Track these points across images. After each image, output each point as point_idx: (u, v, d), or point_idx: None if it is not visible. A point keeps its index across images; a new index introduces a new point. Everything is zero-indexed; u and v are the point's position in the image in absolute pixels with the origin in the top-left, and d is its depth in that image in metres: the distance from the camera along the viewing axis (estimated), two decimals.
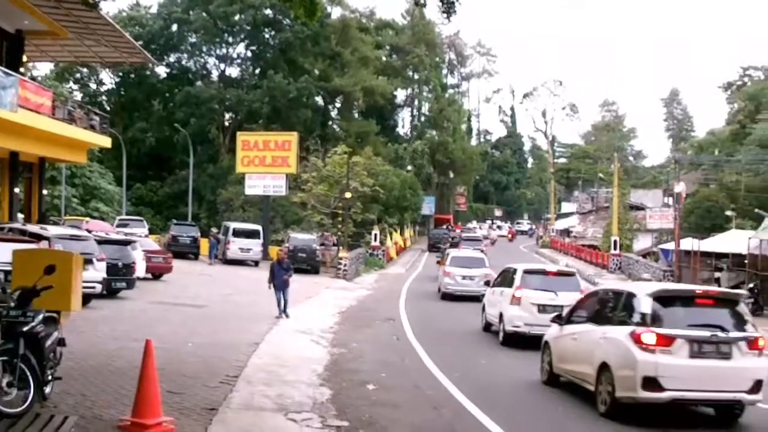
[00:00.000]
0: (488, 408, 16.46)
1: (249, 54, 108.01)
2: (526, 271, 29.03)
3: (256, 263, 58.03)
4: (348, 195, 66.48)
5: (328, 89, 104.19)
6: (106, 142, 49.84)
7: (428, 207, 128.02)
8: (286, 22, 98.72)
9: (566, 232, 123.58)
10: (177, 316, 28.14)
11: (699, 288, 19.31)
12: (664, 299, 16.43)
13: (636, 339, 15.71)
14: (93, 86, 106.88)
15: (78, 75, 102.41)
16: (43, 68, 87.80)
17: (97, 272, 28.40)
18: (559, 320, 20.20)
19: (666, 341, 15.49)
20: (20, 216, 43.35)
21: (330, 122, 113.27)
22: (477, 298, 36.10)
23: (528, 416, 16.96)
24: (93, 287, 27.28)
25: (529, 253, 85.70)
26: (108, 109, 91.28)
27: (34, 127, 38.23)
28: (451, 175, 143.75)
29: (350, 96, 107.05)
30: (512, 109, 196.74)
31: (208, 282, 44.20)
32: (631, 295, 17.15)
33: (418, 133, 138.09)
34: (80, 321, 21.73)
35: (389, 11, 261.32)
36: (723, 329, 15.82)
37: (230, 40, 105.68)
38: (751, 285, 48.20)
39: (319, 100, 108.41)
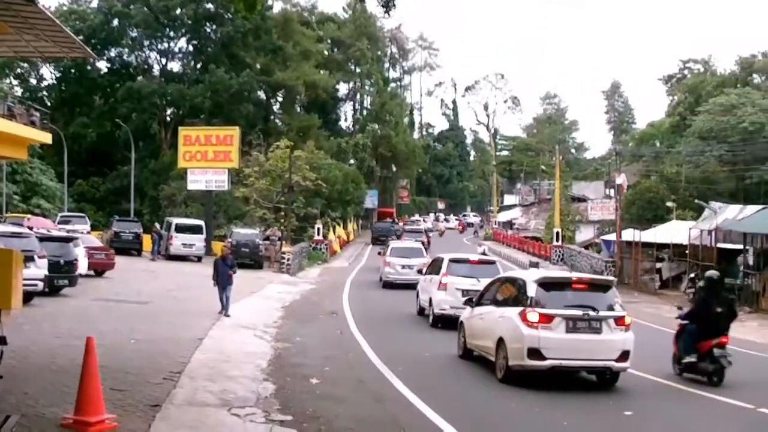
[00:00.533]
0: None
1: (190, 48, 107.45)
2: (452, 260, 32.75)
3: (199, 259, 57.85)
4: (290, 189, 66.37)
5: (270, 83, 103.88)
6: (46, 138, 49.33)
7: (371, 200, 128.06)
8: (227, 16, 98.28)
9: (509, 225, 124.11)
10: (120, 313, 27.96)
11: (575, 275, 24.34)
12: (546, 285, 19.95)
13: (523, 317, 19.09)
14: (33, 81, 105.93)
15: (18, 70, 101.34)
16: None
17: (38, 269, 28.21)
18: (471, 303, 23.48)
19: (546, 319, 18.85)
20: None
21: (272, 116, 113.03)
22: (414, 286, 37.29)
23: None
24: (34, 285, 27.12)
25: (472, 245, 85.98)
26: (49, 104, 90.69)
27: None
28: (394, 168, 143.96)
29: (292, 90, 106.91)
30: (454, 102, 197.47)
31: (151, 278, 43.92)
32: (521, 282, 20.67)
33: (361, 127, 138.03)
34: (22, 319, 21.64)
35: (331, 5, 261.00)
36: (594, 309, 19.08)
37: (171, 34, 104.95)
38: (692, 275, 48.80)
39: (261, 94, 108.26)
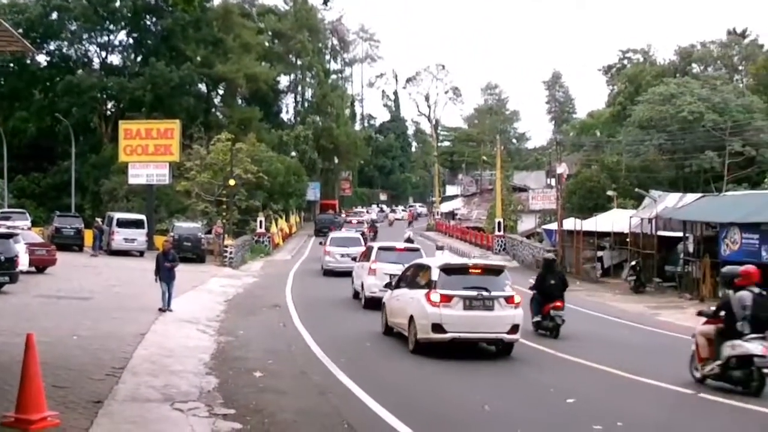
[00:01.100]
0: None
1: (130, 41, 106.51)
2: (381, 248, 37.74)
3: (141, 253, 57.55)
4: (232, 182, 66.17)
5: (210, 76, 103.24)
6: None
7: (313, 193, 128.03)
8: (167, 9, 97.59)
9: (451, 215, 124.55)
10: (61, 309, 27.85)
11: (471, 261, 27.25)
12: (447, 270, 23.43)
13: (428, 298, 22.46)
14: None
15: None
16: None
17: None
18: (390, 287, 27.26)
19: (447, 299, 22.19)
20: None
21: (213, 109, 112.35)
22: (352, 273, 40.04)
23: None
24: None
25: (414, 237, 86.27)
26: None
27: None
28: (336, 160, 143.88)
29: (233, 83, 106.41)
30: (395, 93, 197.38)
31: (93, 273, 43.66)
32: (428, 268, 24.31)
33: (302, 119, 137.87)
34: None
35: None
36: (487, 290, 22.47)
37: (111, 27, 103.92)
38: (633, 263, 49.29)
39: (202, 87, 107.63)
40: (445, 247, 57.97)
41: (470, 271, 23.75)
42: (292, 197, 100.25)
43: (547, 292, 27.45)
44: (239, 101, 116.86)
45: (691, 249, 47.04)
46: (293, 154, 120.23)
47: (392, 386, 18.43)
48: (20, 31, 60.83)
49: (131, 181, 68.64)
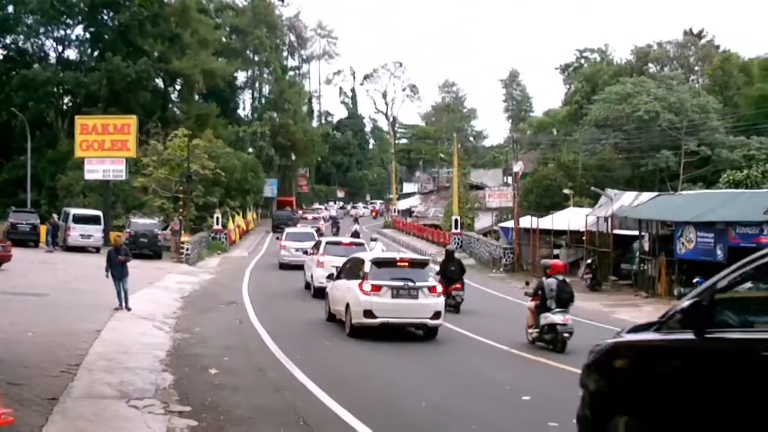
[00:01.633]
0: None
1: (87, 36, 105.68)
2: (328, 242, 41.63)
3: (98, 249, 57.08)
4: (189, 178, 65.93)
5: (167, 71, 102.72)
6: None
7: (270, 189, 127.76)
8: (124, 3, 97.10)
9: (408, 212, 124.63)
10: (16, 306, 27.63)
11: (398, 255, 30.58)
12: (378, 263, 26.75)
13: (360, 287, 25.39)
14: None
15: None
16: None
17: None
18: (331, 278, 29.97)
19: (377, 288, 25.22)
20: None
21: (170, 105, 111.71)
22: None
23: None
24: None
25: (370, 233, 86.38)
26: None
27: None
28: (293, 157, 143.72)
29: (190, 78, 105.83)
30: (353, 90, 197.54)
31: (49, 270, 43.35)
32: (362, 261, 27.25)
33: (259, 116, 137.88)
34: None
35: None
36: (412, 281, 25.55)
37: (68, 21, 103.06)
38: (589, 261, 49.63)
39: (159, 82, 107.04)
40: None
41: (398, 264, 27.19)
42: (249, 194, 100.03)
43: (449, 276, 32.70)
44: (196, 97, 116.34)
45: (646, 247, 47.39)
46: (250, 150, 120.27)
47: (345, 380, 18.59)
48: None
49: (87, 176, 68.16)
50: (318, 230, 67.55)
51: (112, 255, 29.46)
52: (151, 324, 26.50)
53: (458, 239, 73.54)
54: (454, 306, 32.12)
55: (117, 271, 29.09)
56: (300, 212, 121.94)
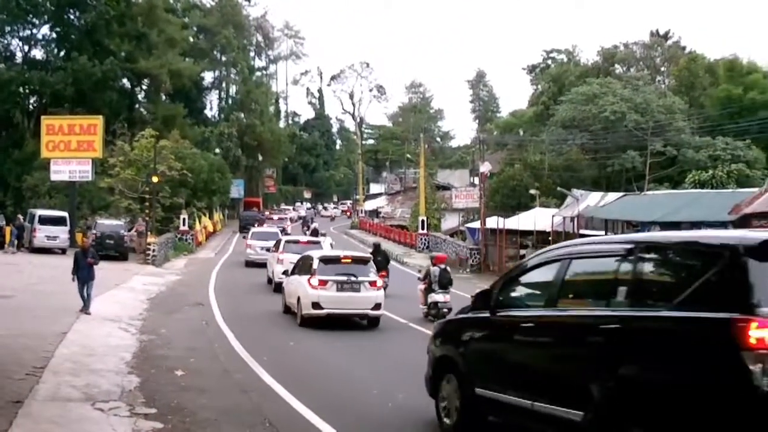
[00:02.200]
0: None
1: (54, 35, 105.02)
2: (287, 241, 44.60)
3: (64, 251, 56.81)
4: (155, 179, 65.72)
5: (134, 71, 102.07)
6: None
7: (237, 190, 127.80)
8: (91, 3, 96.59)
9: (375, 213, 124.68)
10: None
11: (342, 253, 32.16)
12: (325, 260, 29.55)
13: (309, 282, 28.28)
14: None
15: None
16: None
17: None
18: (287, 273, 33.06)
19: (323, 283, 28.16)
20: None
21: (137, 105, 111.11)
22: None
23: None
24: None
25: (339, 235, 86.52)
26: None
27: None
28: (260, 157, 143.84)
29: (157, 78, 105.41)
30: (320, 91, 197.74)
31: (14, 271, 43.07)
32: (312, 258, 29.91)
33: (226, 116, 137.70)
34: None
35: None
36: (355, 276, 28.58)
37: (35, 21, 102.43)
38: None
39: (126, 82, 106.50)
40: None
41: (342, 261, 30.00)
42: (216, 194, 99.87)
43: (376, 265, 33.29)
44: (163, 97, 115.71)
45: None
46: (217, 151, 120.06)
47: (310, 380, 18.68)
48: None
49: (53, 177, 67.76)
50: (283, 230, 69.35)
51: (80, 257, 29.17)
52: (117, 326, 26.41)
53: (425, 240, 73.65)
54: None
55: (83, 274, 28.74)
56: (268, 212, 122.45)
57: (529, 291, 12.71)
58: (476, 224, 68.37)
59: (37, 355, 19.22)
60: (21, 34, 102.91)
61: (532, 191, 76.41)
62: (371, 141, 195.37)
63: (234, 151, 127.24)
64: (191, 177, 79.09)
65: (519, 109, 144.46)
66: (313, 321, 28.01)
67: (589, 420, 10.01)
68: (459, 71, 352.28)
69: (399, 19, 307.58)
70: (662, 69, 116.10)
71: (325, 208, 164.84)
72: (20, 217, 61.59)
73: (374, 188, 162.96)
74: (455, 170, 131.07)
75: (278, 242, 45.29)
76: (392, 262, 47.21)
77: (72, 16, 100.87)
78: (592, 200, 54.78)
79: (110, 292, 35.73)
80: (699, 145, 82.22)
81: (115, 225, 59.90)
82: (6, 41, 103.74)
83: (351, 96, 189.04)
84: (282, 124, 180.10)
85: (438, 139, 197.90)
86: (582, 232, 52.05)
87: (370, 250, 43.64)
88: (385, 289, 32.63)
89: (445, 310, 29.04)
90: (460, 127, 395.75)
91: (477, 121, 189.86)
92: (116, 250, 56.04)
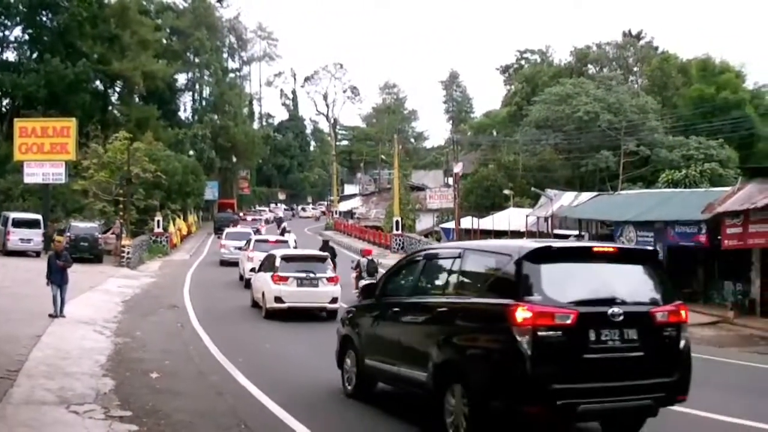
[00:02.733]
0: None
1: (26, 37, 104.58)
2: (257, 240, 47.81)
3: (38, 254, 56.60)
4: (129, 181, 65.61)
5: (107, 73, 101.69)
6: None
7: (211, 192, 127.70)
8: (63, 4, 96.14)
9: (350, 214, 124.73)
10: None
11: (303, 252, 37.93)
12: (287, 258, 32.35)
13: (273, 278, 31.07)
14: None
15: None
16: None
17: None
18: (254, 271, 36.84)
19: (285, 279, 30.91)
20: None
21: (110, 107, 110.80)
22: None
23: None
24: None
25: (313, 236, 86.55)
26: None
27: None
28: (234, 159, 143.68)
29: (130, 80, 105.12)
30: (294, 92, 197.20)
31: None
32: (275, 256, 32.57)
33: (199, 118, 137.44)
34: None
35: None
36: (313, 272, 31.38)
37: (6, 23, 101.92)
38: None
39: (99, 84, 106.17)
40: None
41: (302, 259, 33.06)
42: (190, 196, 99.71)
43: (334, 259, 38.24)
44: (136, 99, 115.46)
45: None
46: (191, 153, 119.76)
47: (285, 381, 18.62)
48: None
49: (27, 180, 67.38)
50: (257, 231, 69.51)
51: (53, 260, 28.60)
52: (92, 328, 26.34)
53: (399, 240, 73.70)
54: None
55: (56, 276, 28.22)
56: (242, 213, 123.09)
57: (400, 283, 16.10)
58: (451, 224, 68.65)
59: (11, 358, 19.17)
60: None
61: (506, 191, 76.70)
62: (345, 142, 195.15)
63: (208, 152, 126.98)
64: (165, 179, 78.93)
65: (493, 109, 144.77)
66: (276, 314, 30.57)
67: (430, 379, 13.36)
68: (432, 72, 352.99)
69: (372, 20, 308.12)
70: (635, 69, 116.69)
71: (304, 210, 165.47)
72: None
73: (349, 189, 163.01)
74: (429, 171, 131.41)
75: (249, 241, 48.84)
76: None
77: (44, 18, 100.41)
78: (565, 200, 54.89)
79: (85, 294, 35.67)
80: (672, 145, 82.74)
81: (89, 227, 59.65)
82: None
83: (325, 97, 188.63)
84: (256, 125, 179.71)
85: (412, 140, 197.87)
86: (556, 231, 52.34)
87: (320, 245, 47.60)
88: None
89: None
90: (434, 127, 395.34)
91: (451, 121, 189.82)
92: (91, 253, 55.82)
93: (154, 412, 14.85)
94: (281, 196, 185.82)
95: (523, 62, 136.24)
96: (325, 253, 37.01)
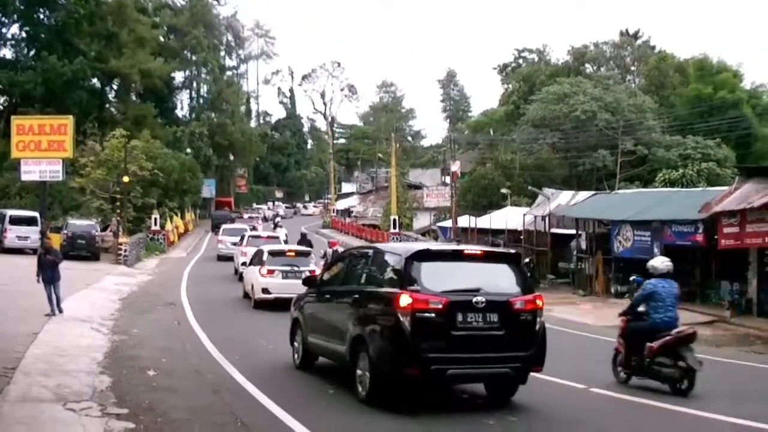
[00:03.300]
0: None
1: (23, 35, 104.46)
2: (251, 236, 50.92)
3: (35, 251, 56.36)
4: (126, 179, 65.65)
5: (104, 71, 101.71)
6: None
7: (209, 190, 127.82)
8: (61, 2, 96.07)
9: (347, 212, 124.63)
10: None
11: (287, 248, 38.79)
12: (273, 253, 35.07)
13: (260, 272, 33.71)
14: None
15: None
16: None
17: None
18: (245, 265, 39.58)
19: (271, 272, 33.52)
20: None
21: (107, 105, 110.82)
22: None
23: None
24: None
25: (310, 234, 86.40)
26: None
27: None
28: (231, 157, 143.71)
29: (127, 78, 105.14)
30: (291, 90, 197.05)
31: None
32: (262, 252, 35.57)
33: (197, 116, 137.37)
34: None
35: None
36: (297, 266, 33.52)
37: (4, 20, 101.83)
38: (527, 260, 49.78)
39: (96, 82, 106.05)
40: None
41: (287, 254, 35.75)
42: (188, 194, 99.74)
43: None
44: (134, 97, 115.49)
45: (583, 246, 47.84)
46: (188, 150, 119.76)
47: (282, 379, 18.73)
48: None
49: (24, 177, 67.24)
50: (253, 228, 70.36)
51: (42, 257, 28.70)
52: (89, 326, 26.31)
53: (397, 239, 73.61)
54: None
55: (47, 274, 28.18)
56: (242, 212, 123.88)
57: (333, 275, 19.27)
58: (448, 223, 68.53)
59: (7, 356, 19.13)
60: None
61: (504, 190, 76.60)
62: (343, 140, 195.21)
63: (205, 150, 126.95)
64: (162, 177, 79.04)
65: (490, 108, 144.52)
66: (264, 303, 33.06)
67: (347, 350, 16.25)
68: (430, 71, 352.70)
69: (370, 19, 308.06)
70: (632, 68, 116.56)
71: (305, 207, 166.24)
72: None
73: (346, 187, 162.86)
74: (427, 169, 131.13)
75: (243, 237, 52.44)
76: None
77: (41, 15, 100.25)
78: (563, 199, 54.87)
79: (82, 292, 35.69)
80: (669, 144, 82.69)
81: (86, 225, 59.68)
82: None
83: (322, 95, 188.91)
84: (253, 123, 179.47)
85: (409, 138, 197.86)
86: (553, 231, 52.31)
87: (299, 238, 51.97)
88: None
89: None
90: (432, 126, 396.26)
91: (448, 120, 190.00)
92: (88, 250, 55.88)
93: (151, 410, 14.81)
94: (278, 194, 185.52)
95: (520, 61, 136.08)
96: (309, 249, 40.41)
